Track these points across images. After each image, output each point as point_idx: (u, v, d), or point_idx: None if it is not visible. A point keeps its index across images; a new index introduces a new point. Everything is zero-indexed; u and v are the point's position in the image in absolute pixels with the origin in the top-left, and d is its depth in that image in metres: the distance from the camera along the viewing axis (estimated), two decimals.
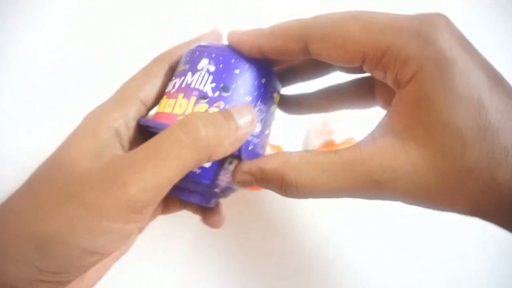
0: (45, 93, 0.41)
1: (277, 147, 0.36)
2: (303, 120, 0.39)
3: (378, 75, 0.18)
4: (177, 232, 0.34)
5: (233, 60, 0.20)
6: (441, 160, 0.15)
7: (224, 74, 0.20)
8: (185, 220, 0.34)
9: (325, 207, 0.36)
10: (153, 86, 0.22)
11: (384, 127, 0.17)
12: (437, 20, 0.16)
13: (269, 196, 0.36)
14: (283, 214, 0.36)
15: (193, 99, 0.20)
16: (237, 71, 0.20)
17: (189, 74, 0.21)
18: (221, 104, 0.20)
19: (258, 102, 0.21)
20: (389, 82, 0.17)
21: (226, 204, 0.35)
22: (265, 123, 0.21)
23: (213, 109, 0.20)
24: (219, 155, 0.17)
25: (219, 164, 0.20)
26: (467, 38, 0.17)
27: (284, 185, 0.18)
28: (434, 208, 0.17)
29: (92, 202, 0.16)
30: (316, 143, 0.37)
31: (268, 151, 0.32)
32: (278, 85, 0.22)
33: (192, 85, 0.20)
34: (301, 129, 0.39)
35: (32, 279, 0.16)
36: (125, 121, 0.20)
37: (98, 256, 0.17)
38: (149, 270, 0.33)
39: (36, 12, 0.45)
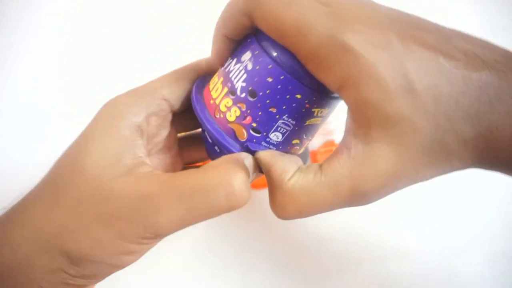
0: (45, 92, 0.41)
1: None
2: None
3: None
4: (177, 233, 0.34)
5: (270, 66, 0.19)
6: (408, 149, 0.16)
7: (256, 78, 0.19)
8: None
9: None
10: (180, 86, 0.21)
11: (351, 135, 0.17)
12: (344, 15, 0.16)
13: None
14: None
15: (225, 90, 0.20)
16: (269, 79, 0.19)
17: (235, 61, 0.21)
18: (243, 107, 0.20)
19: (285, 116, 0.20)
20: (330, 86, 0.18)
21: None
22: (293, 134, 0.21)
23: (235, 108, 0.20)
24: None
25: None
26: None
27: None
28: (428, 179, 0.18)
29: (122, 229, 0.16)
30: (316, 143, 0.37)
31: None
32: (326, 102, 0.21)
33: (230, 75, 0.20)
34: None
35: (58, 281, 0.17)
36: (146, 116, 0.19)
37: (124, 266, 0.18)
38: (148, 270, 0.33)
39: (36, 11, 0.45)
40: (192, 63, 0.22)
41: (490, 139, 0.16)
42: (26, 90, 0.41)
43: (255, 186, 0.36)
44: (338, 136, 0.36)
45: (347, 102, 0.17)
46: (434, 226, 0.35)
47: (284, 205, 0.18)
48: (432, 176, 0.17)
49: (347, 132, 0.18)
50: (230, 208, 0.17)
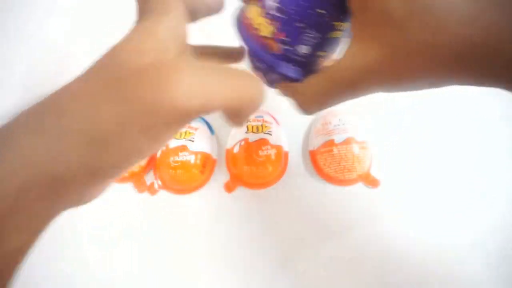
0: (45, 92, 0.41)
1: (278, 147, 0.36)
2: (303, 121, 0.39)
3: None
4: (178, 234, 0.34)
5: None
6: (391, 47, 0.17)
7: None
8: (186, 221, 0.34)
9: (326, 208, 0.36)
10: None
11: (351, 37, 0.20)
12: None
13: (269, 196, 0.36)
14: (284, 212, 0.36)
15: (258, 8, 0.24)
16: None
17: None
18: (274, 23, 0.23)
19: (311, 30, 0.23)
20: None
21: (226, 205, 0.36)
22: (318, 46, 0.24)
23: (266, 25, 0.23)
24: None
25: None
26: None
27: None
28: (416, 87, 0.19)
29: (143, 102, 0.16)
30: (316, 143, 0.37)
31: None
32: (345, 16, 0.23)
33: None
34: (301, 130, 0.39)
35: (79, 169, 0.16)
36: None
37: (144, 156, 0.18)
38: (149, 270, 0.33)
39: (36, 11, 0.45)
40: None
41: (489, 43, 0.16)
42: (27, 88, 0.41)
43: (255, 186, 0.36)
44: (338, 136, 0.36)
45: (353, 8, 0.19)
46: (434, 226, 0.35)
47: (303, 103, 0.23)
48: (414, 84, 0.18)
49: (351, 37, 0.20)
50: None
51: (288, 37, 0.23)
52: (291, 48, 0.24)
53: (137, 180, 0.36)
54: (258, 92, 0.18)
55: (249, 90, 0.18)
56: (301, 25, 0.23)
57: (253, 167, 0.35)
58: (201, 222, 0.35)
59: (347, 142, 0.36)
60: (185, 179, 0.34)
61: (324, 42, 0.24)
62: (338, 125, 0.37)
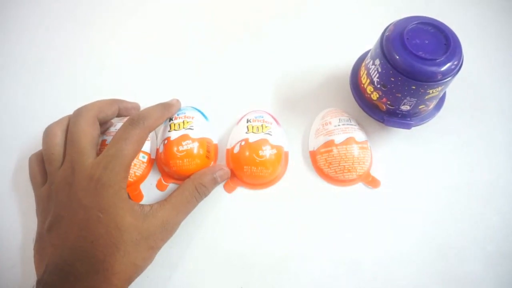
0: (47, 92, 0.41)
1: (278, 147, 0.36)
2: (303, 121, 0.39)
3: None
4: (178, 235, 0.33)
5: (391, 71, 0.30)
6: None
7: (384, 77, 0.32)
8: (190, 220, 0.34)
9: (326, 209, 0.36)
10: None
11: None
12: None
13: (269, 196, 0.36)
14: (286, 213, 0.36)
15: (368, 80, 0.34)
16: (392, 79, 0.31)
17: (371, 62, 0.33)
18: (380, 93, 0.33)
19: (408, 97, 0.31)
20: None
21: (225, 205, 0.36)
22: (418, 104, 0.32)
23: (375, 93, 0.34)
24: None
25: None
26: None
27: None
28: None
29: (132, 260, 0.28)
30: (316, 143, 0.37)
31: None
32: (430, 85, 0.30)
33: (369, 71, 0.33)
34: (301, 130, 0.39)
35: None
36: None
37: None
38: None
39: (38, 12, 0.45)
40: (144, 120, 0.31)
41: None
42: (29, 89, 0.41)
43: (255, 186, 0.36)
44: (338, 136, 0.36)
45: None
46: (434, 226, 0.35)
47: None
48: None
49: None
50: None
51: (391, 102, 0.33)
52: (394, 108, 0.33)
53: (132, 190, 0.35)
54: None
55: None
56: (399, 95, 0.31)
57: (253, 167, 0.34)
58: (201, 220, 0.35)
59: (347, 142, 0.36)
60: (194, 167, 0.34)
61: (421, 101, 0.32)
62: (339, 125, 0.37)
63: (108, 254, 0.27)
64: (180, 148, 0.34)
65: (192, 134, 0.35)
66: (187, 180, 0.33)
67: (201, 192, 0.33)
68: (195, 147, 0.35)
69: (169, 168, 0.35)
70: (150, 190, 0.36)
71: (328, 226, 0.35)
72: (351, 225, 0.35)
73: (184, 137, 0.35)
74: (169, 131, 0.35)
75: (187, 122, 0.36)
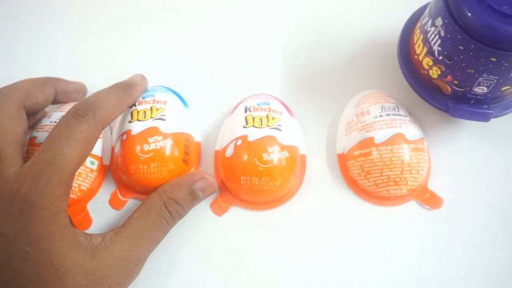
0: None
1: (291, 148, 0.31)
2: (328, 110, 0.35)
3: None
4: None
5: (459, 36, 0.26)
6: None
7: (449, 45, 0.27)
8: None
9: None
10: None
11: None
12: None
13: None
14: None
15: (425, 50, 0.29)
16: (461, 47, 0.26)
17: (430, 22, 0.28)
18: (442, 68, 0.28)
19: (484, 74, 0.27)
20: None
21: (213, 233, 0.33)
22: (499, 85, 0.28)
23: (436, 68, 0.29)
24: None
25: None
26: None
27: None
28: None
29: None
30: (347, 143, 0.33)
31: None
32: None
33: (428, 36, 0.29)
34: (325, 123, 0.35)
35: None
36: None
37: None
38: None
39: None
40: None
41: None
42: None
43: (257, 206, 0.33)
44: (380, 132, 0.32)
45: None
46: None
47: None
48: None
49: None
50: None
51: (460, 81, 0.28)
52: (464, 90, 0.29)
53: (76, 213, 0.31)
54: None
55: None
56: (472, 71, 0.27)
57: (254, 178, 0.30)
58: (176, 255, 0.31)
59: (393, 141, 0.31)
60: (165, 175, 0.30)
61: (504, 81, 0.28)
62: (381, 116, 0.32)
63: None
64: (146, 148, 0.30)
65: (164, 127, 0.31)
66: (153, 194, 0.29)
67: (172, 211, 0.28)
68: (167, 146, 0.30)
69: (129, 176, 0.30)
70: (102, 211, 0.32)
71: (366, 266, 0.31)
72: (400, 265, 0.31)
73: (152, 131, 0.30)
74: (129, 122, 0.31)
75: (157, 110, 0.32)
